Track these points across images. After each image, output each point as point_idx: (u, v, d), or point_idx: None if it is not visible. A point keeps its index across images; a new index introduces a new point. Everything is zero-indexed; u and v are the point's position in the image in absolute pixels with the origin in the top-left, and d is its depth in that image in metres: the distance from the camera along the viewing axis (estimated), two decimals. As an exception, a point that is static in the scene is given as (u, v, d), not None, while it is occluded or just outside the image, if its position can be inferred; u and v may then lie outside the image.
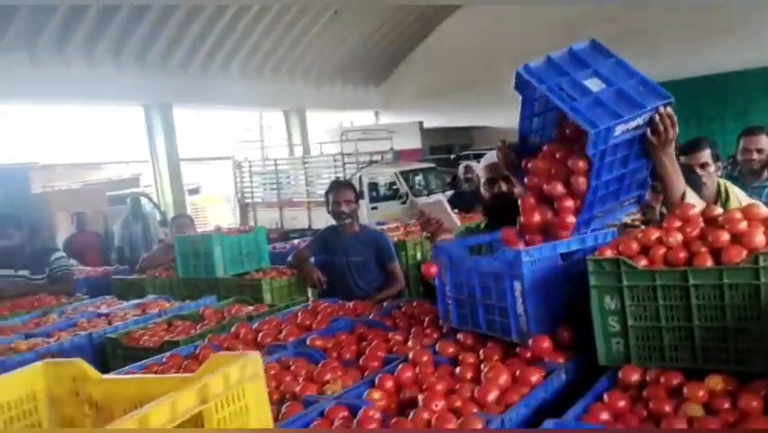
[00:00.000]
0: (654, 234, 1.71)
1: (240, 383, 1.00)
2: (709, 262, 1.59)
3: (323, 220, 13.21)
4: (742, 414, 1.36)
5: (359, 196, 4.32)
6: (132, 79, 12.93)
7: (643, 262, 1.68)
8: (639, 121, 1.96)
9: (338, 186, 4.36)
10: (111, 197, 11.91)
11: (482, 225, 3.10)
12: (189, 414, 0.90)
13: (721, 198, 3.18)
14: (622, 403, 1.52)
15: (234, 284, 4.05)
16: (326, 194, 4.29)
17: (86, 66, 12.18)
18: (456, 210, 7.51)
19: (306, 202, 14.08)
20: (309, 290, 4.31)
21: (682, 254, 1.64)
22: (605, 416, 1.49)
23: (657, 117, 1.94)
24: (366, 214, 12.61)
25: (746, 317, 1.53)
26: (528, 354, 1.94)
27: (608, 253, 1.74)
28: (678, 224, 1.73)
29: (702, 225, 1.70)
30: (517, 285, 1.95)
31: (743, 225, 1.60)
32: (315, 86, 17.97)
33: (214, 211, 17.35)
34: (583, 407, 1.54)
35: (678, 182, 2.08)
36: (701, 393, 1.45)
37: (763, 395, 1.39)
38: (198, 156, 18.64)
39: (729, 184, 3.28)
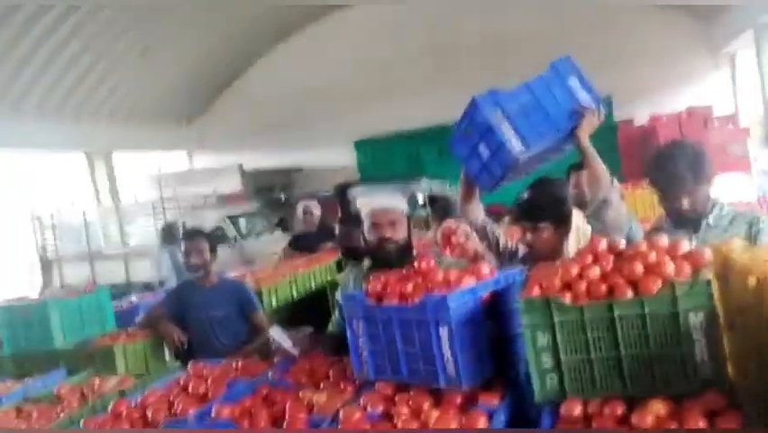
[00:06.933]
0: (575, 269, 1.81)
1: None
2: (630, 293, 1.71)
3: (143, 273, 12.29)
4: (694, 433, 1.46)
5: (215, 245, 4.06)
6: None
7: (568, 297, 1.77)
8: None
9: (187, 235, 4.12)
10: None
11: (366, 268, 3.09)
12: None
13: None
14: (578, 439, 1.57)
15: (80, 354, 3.55)
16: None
17: None
18: (298, 252, 7.43)
19: (121, 254, 12.98)
20: (167, 352, 3.94)
21: (603, 287, 1.75)
22: (566, 453, 1.52)
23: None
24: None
25: (668, 343, 1.67)
26: (459, 399, 1.94)
27: (536, 291, 1.80)
28: (590, 258, 1.85)
29: (612, 258, 1.83)
30: (443, 330, 1.94)
31: (653, 256, 1.75)
32: (122, 126, 16.76)
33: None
34: (542, 447, 1.56)
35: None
36: (649, 418, 1.54)
37: (703, 413, 1.51)
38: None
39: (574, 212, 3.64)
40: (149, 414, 2.19)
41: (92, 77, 14.78)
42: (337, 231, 4.21)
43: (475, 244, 2.34)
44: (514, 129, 2.77)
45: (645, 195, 6.55)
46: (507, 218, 4.45)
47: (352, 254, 4.19)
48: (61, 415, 2.40)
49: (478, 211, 3.08)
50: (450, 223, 2.42)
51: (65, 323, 3.68)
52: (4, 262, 15.08)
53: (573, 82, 2.87)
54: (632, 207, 5.54)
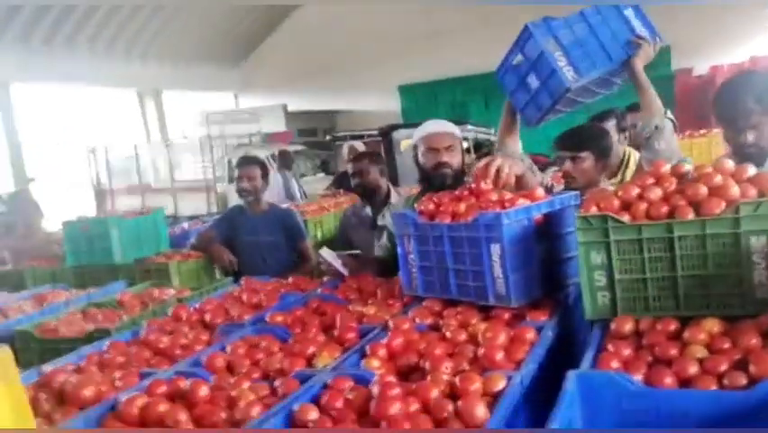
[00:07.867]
0: (635, 191, 1.79)
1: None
2: (691, 215, 1.69)
3: (190, 207, 12.60)
4: (745, 352, 1.46)
5: (267, 174, 4.15)
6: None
7: (626, 218, 1.76)
8: None
9: (243, 161, 4.21)
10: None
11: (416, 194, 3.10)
12: None
13: (623, 164, 3.51)
14: (628, 351, 1.58)
15: (137, 269, 3.72)
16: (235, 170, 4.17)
17: None
18: (342, 190, 7.51)
19: (170, 188, 13.29)
20: (217, 273, 4.07)
21: (664, 208, 1.73)
22: (615, 364, 1.53)
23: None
24: (237, 199, 12.19)
25: (726, 264, 1.65)
26: (507, 315, 1.97)
27: (593, 210, 1.79)
28: (651, 180, 1.83)
29: (675, 180, 1.80)
30: (495, 248, 1.96)
31: (718, 179, 1.72)
32: (170, 65, 16.94)
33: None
34: (591, 358, 1.58)
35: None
36: (702, 336, 1.54)
37: (758, 333, 1.50)
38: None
39: (633, 152, 3.57)
40: (206, 318, 2.30)
41: (141, 16, 14.87)
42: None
43: (513, 172, 2.30)
44: (566, 57, 2.71)
45: (702, 143, 6.37)
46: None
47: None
48: (124, 318, 2.53)
49: (515, 145, 3.04)
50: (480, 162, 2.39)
51: (123, 241, 3.83)
52: (60, 191, 15.67)
53: (629, 12, 2.78)
54: (688, 155, 5.42)
